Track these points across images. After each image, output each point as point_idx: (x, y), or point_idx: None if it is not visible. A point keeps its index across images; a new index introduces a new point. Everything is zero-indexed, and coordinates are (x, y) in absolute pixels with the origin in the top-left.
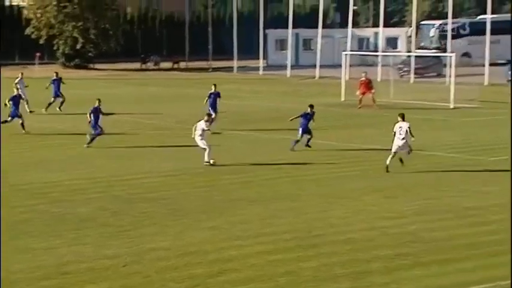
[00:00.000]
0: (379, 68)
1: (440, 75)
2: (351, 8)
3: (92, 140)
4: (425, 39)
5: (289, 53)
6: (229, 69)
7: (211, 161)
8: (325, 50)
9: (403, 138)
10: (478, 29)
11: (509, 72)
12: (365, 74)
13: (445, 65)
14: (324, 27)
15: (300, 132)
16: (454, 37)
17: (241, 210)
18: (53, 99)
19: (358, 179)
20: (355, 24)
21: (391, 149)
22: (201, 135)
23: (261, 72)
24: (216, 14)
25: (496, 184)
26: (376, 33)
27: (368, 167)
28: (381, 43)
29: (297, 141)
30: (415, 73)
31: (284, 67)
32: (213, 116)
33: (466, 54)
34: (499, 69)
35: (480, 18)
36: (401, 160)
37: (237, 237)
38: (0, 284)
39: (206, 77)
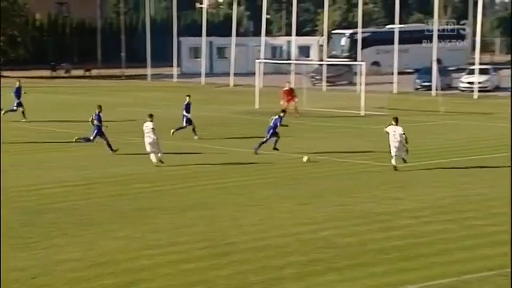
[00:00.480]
0: (292, 76)
1: (351, 83)
2: (264, 16)
3: None
4: (337, 48)
5: (203, 60)
6: (143, 76)
7: (158, 162)
8: (239, 58)
9: (398, 141)
10: (387, 39)
11: (417, 81)
12: (288, 84)
13: (355, 74)
14: (237, 35)
15: (268, 135)
16: (364, 46)
17: (153, 219)
18: (15, 107)
19: (271, 187)
20: (269, 33)
21: (389, 152)
22: (149, 137)
23: (175, 79)
24: (129, 21)
25: (404, 190)
26: (289, 42)
27: (281, 175)
28: (294, 51)
29: (263, 142)
30: (327, 81)
31: (198, 75)
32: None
33: (375, 63)
34: (407, 78)
35: (389, 28)
36: (404, 160)
37: (149, 246)
38: (0, 284)
39: (119, 85)
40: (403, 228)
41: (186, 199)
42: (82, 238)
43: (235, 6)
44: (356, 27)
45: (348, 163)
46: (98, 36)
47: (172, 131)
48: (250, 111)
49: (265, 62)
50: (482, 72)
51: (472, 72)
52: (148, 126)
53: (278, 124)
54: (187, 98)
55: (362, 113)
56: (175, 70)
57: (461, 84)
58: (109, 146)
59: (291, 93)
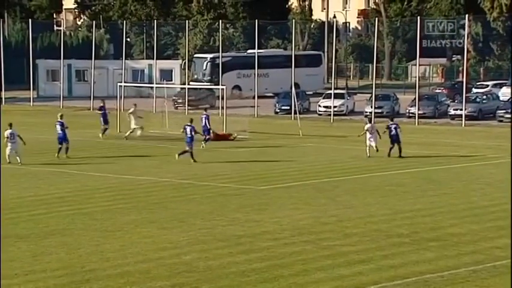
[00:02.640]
0: (154, 100)
1: (213, 107)
2: (124, 39)
3: None
4: (199, 72)
5: (62, 83)
6: None
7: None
8: (99, 81)
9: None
10: (247, 63)
11: (277, 105)
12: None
13: (218, 97)
14: (97, 58)
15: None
16: (225, 70)
17: (8, 248)
18: None
19: (132, 211)
20: (129, 56)
21: None
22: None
23: (31, 103)
24: None
25: (264, 212)
26: (150, 65)
27: (142, 199)
28: (155, 75)
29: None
30: (189, 105)
31: (56, 98)
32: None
33: (236, 87)
34: (267, 102)
35: (249, 53)
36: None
37: (5, 275)
38: (0, 284)
39: None
40: (263, 250)
41: (46, 225)
42: None
43: (94, 28)
44: (217, 51)
45: (209, 186)
46: None
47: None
48: (112, 135)
49: (126, 86)
50: (338, 96)
51: (328, 96)
52: (9, 132)
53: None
54: (59, 116)
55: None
56: (31, 93)
57: (319, 108)
58: None
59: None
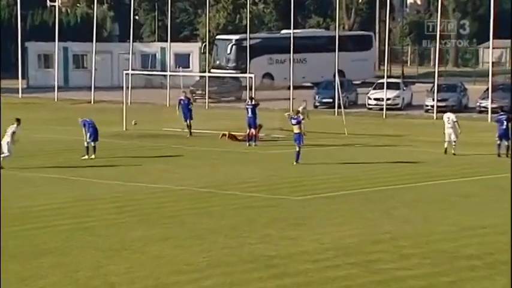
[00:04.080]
0: (167, 91)
1: (239, 99)
2: (132, 17)
3: None
4: (222, 57)
5: (57, 71)
6: None
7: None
8: (102, 69)
9: (451, 128)
10: (280, 46)
11: (317, 97)
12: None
13: (245, 88)
14: (99, 40)
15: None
16: (253, 55)
17: None
18: None
19: (141, 226)
20: (138, 38)
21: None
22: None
23: (20, 95)
24: None
25: (302, 228)
26: (163, 49)
27: (154, 211)
28: (169, 61)
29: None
30: (210, 97)
31: (50, 88)
32: None
33: (268, 75)
34: (305, 93)
35: (283, 33)
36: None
37: None
38: (0, 284)
39: None
40: (300, 275)
41: (38, 243)
42: None
43: (96, 4)
44: (244, 31)
45: (236, 196)
46: None
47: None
48: (117, 133)
49: (134, 74)
50: (392, 86)
51: (380, 86)
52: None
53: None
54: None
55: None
56: (20, 83)
57: (369, 101)
58: None
59: None
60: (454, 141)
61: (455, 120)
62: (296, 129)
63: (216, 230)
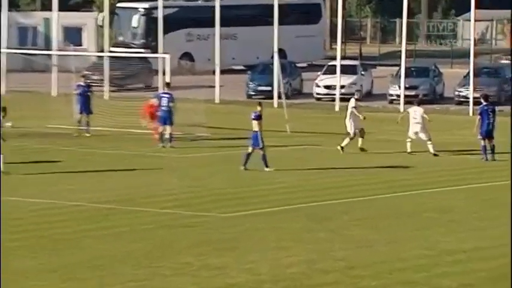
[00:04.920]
0: (54, 76)
1: (149, 87)
2: None
3: None
4: (126, 32)
5: None
6: None
7: None
8: None
9: (419, 123)
10: (203, 18)
11: (251, 84)
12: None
13: (156, 72)
14: None
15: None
16: (168, 29)
17: None
18: None
19: (23, 253)
20: (14, 6)
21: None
22: None
23: None
24: None
25: (232, 254)
26: (47, 20)
27: (38, 234)
28: (56, 36)
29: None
30: (112, 84)
31: None
32: None
33: (186, 56)
34: (236, 79)
35: (206, 1)
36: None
37: None
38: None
39: None
40: None
41: None
42: None
43: None
44: None
45: (147, 213)
46: None
47: None
48: None
49: (10, 52)
50: (347, 70)
51: (331, 70)
52: None
53: None
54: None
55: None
56: None
57: (317, 90)
58: None
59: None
60: (429, 141)
61: (424, 115)
62: (255, 127)
63: (122, 258)
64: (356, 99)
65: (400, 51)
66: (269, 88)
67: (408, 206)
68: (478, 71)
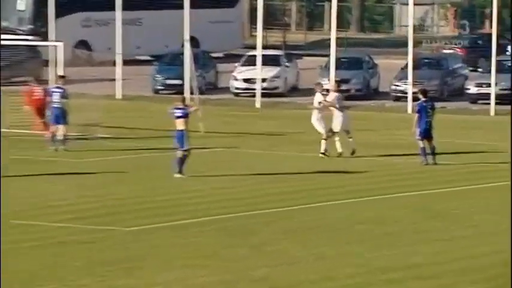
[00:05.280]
0: None
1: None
2: None
3: None
4: (10, 15)
5: None
6: None
7: None
8: None
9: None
10: (99, 1)
11: (158, 77)
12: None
13: (47, 63)
14: None
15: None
16: (60, 13)
17: None
18: None
19: None
20: None
21: None
22: None
23: None
24: None
25: (134, 274)
26: None
27: None
28: None
29: None
30: None
31: None
32: None
33: (82, 44)
34: (141, 71)
35: None
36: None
37: None
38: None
39: None
40: None
41: None
42: None
43: None
44: None
45: (37, 228)
46: None
47: None
48: None
49: None
50: (269, 61)
51: (251, 61)
52: None
53: None
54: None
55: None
56: None
57: (234, 83)
58: None
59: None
60: (349, 136)
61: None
62: (180, 125)
63: (6, 280)
64: (322, 93)
65: (329, 39)
66: (179, 82)
67: (340, 217)
68: (417, 62)
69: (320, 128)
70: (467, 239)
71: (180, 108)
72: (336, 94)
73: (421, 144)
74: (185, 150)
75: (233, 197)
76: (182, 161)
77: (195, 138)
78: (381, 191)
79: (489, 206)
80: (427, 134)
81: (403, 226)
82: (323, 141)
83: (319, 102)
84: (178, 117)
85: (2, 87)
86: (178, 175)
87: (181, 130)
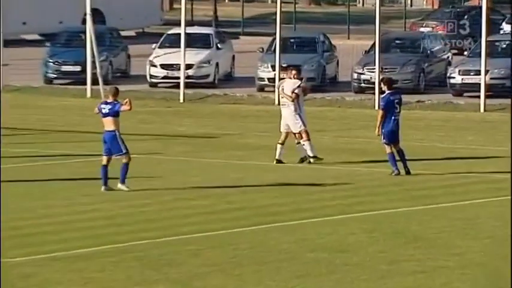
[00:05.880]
0: None
1: None
2: None
3: None
4: None
5: None
6: None
7: None
8: None
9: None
10: None
11: (50, 62)
12: None
13: None
14: None
15: None
16: None
17: None
18: None
19: None
20: None
21: None
22: None
23: None
24: None
25: None
26: None
27: None
28: None
29: None
30: None
31: None
32: None
33: None
34: (29, 53)
35: None
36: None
37: None
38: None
39: None
40: None
41: None
42: None
43: None
44: None
45: None
46: None
47: None
48: None
49: None
50: (196, 42)
51: (172, 42)
52: None
53: None
54: None
55: None
56: None
57: (151, 70)
58: None
59: None
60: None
61: (296, 90)
62: (109, 125)
63: None
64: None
65: (275, 14)
66: (78, 68)
67: (287, 243)
68: (386, 43)
69: (297, 127)
70: (450, 270)
71: (108, 103)
72: (296, 81)
73: (388, 149)
74: (125, 153)
75: (147, 218)
76: (127, 167)
77: (100, 141)
78: (340, 209)
79: (477, 227)
80: (393, 137)
81: (369, 255)
82: (279, 146)
83: (293, 92)
84: (106, 114)
85: None
86: (122, 186)
87: (112, 131)
